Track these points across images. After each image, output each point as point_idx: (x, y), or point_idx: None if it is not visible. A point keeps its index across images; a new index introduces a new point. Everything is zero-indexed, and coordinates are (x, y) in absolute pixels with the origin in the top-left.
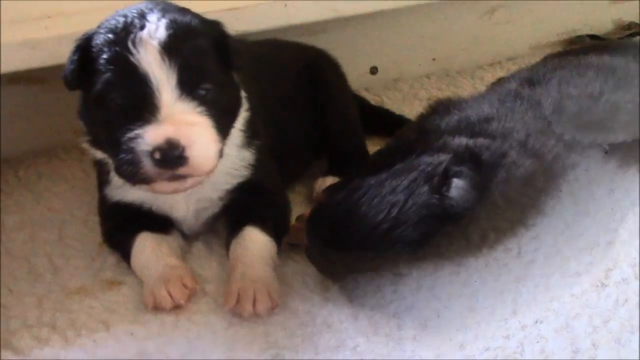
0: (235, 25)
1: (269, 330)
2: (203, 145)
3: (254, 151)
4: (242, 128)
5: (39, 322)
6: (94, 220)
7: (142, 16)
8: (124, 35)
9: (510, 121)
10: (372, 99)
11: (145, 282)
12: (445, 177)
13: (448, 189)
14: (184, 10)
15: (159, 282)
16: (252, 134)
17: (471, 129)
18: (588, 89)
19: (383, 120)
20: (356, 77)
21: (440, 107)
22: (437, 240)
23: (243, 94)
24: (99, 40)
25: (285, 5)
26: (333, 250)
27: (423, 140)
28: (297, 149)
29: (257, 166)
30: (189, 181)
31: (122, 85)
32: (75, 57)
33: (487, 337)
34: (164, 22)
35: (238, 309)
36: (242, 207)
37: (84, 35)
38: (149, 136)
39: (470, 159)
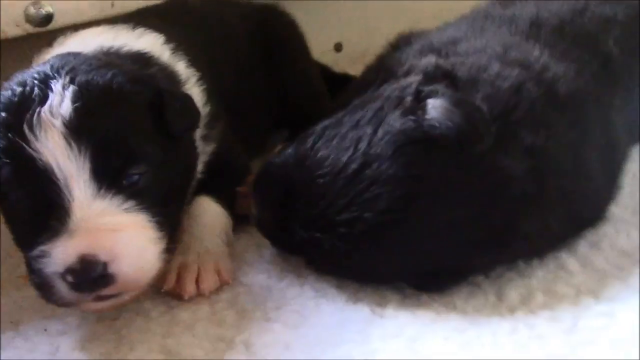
0: None
1: (215, 310)
2: (134, 254)
3: (215, 139)
4: (202, 133)
5: None
6: None
7: (44, 83)
8: (19, 114)
9: (482, 39)
10: None
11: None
12: (417, 101)
13: (424, 113)
14: (109, 62)
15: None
16: (213, 125)
17: (436, 52)
18: (570, 4)
19: None
20: (320, 55)
21: (401, 42)
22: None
23: (198, 80)
24: None
25: None
26: (287, 214)
27: (383, 73)
28: (253, 121)
29: (219, 149)
30: (126, 296)
31: (20, 184)
32: None
33: None
34: (71, 90)
35: (178, 289)
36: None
37: None
38: (57, 255)
39: (444, 77)
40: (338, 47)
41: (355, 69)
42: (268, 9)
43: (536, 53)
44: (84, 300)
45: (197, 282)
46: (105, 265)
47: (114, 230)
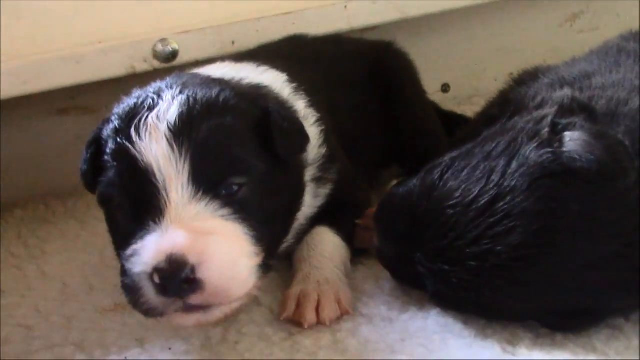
0: (292, 30)
1: (337, 339)
2: (225, 262)
3: (332, 180)
4: (316, 175)
5: (64, 341)
6: None
7: (157, 94)
8: (129, 120)
9: (617, 73)
10: None
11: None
12: (554, 133)
13: (561, 145)
14: (219, 82)
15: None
16: (329, 167)
17: (570, 86)
18: None
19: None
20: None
21: (526, 77)
22: None
23: (316, 121)
24: (107, 130)
25: (346, 6)
26: (412, 246)
27: (511, 106)
28: (367, 158)
29: (339, 186)
30: (217, 312)
31: (123, 185)
32: (87, 155)
33: None
34: (179, 99)
35: (298, 316)
36: (320, 219)
37: (99, 125)
38: (146, 253)
39: (581, 110)
40: (445, 88)
41: (462, 110)
42: (384, 47)
43: None
44: (172, 308)
45: (317, 310)
46: (193, 268)
47: (207, 234)
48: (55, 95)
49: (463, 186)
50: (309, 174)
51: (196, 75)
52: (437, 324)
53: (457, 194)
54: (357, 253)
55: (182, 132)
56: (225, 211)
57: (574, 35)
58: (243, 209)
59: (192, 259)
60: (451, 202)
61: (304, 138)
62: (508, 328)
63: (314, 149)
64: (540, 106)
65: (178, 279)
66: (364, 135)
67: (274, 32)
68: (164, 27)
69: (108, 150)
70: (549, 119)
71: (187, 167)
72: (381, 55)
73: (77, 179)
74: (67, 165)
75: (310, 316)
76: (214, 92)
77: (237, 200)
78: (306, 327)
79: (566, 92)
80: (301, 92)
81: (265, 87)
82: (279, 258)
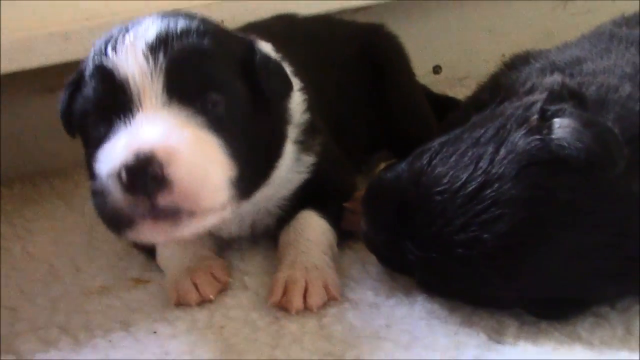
0: (282, 9)
1: (323, 324)
2: (195, 163)
3: (315, 151)
4: (298, 139)
5: (49, 323)
6: None
7: (137, 22)
8: (107, 43)
9: (608, 59)
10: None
11: (170, 274)
12: (543, 120)
13: (550, 132)
14: (200, 18)
15: (184, 273)
16: (311, 135)
17: (560, 71)
18: None
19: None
20: (418, 77)
21: (517, 61)
22: None
23: (300, 90)
24: (86, 62)
25: None
26: (400, 232)
27: (501, 92)
28: (355, 140)
29: (321, 162)
30: (187, 223)
31: (98, 99)
32: (67, 95)
33: None
34: (157, 24)
35: (285, 302)
36: (303, 201)
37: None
38: (115, 150)
39: (571, 96)
40: (437, 70)
41: (453, 92)
42: (374, 30)
43: None
44: (139, 211)
45: (304, 296)
46: (161, 165)
47: (177, 134)
48: (44, 73)
49: (451, 172)
50: (292, 134)
51: (176, 12)
52: (423, 310)
53: (445, 180)
54: (345, 236)
55: (159, 48)
56: (199, 120)
57: (566, 17)
58: (219, 125)
59: (160, 155)
60: (439, 188)
61: (288, 82)
62: (494, 316)
63: (297, 113)
64: (530, 92)
65: (145, 174)
66: (352, 118)
67: (264, 11)
68: (152, 5)
69: (86, 75)
70: (539, 105)
71: (161, 79)
72: (371, 38)
73: (65, 158)
74: (55, 144)
75: (297, 302)
76: (196, 23)
77: (214, 115)
78: (293, 313)
79: (556, 78)
80: (286, 62)
81: (251, 38)
82: (266, 238)
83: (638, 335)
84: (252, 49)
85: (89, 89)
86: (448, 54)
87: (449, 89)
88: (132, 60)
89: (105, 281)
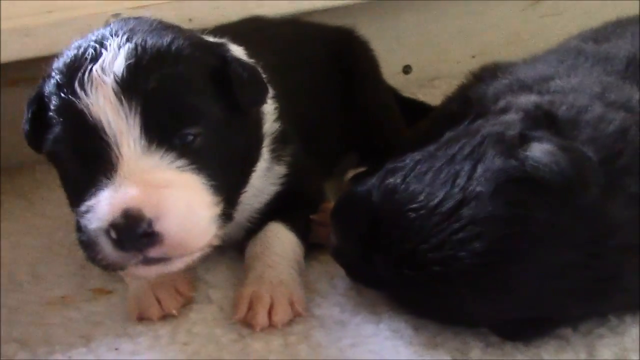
0: (252, 8)
1: (288, 342)
2: (183, 213)
3: (286, 161)
4: (270, 147)
5: (7, 337)
6: None
7: (100, 43)
8: (72, 73)
9: (576, 77)
10: None
11: (132, 287)
12: (522, 141)
13: (527, 153)
14: (171, 29)
15: (147, 286)
16: (283, 144)
17: (529, 89)
18: None
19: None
20: (387, 77)
21: (485, 74)
22: None
23: (271, 98)
24: (49, 86)
25: None
26: (371, 247)
27: (472, 107)
28: (325, 144)
29: (292, 173)
30: (177, 262)
31: (71, 141)
32: (29, 114)
33: None
34: (126, 48)
35: (250, 318)
36: (274, 212)
37: (40, 82)
38: (101, 209)
39: (546, 118)
40: (407, 70)
41: (423, 93)
42: (344, 33)
43: (637, 96)
44: (131, 262)
45: (269, 313)
46: (150, 222)
47: (162, 187)
48: (5, 67)
49: (427, 189)
50: (266, 142)
51: (145, 21)
52: (388, 328)
53: (421, 198)
54: (312, 248)
55: (130, 84)
56: (180, 162)
57: (536, 19)
58: (199, 159)
59: (148, 212)
60: (414, 206)
61: (264, 88)
62: (459, 336)
63: (270, 122)
64: (504, 111)
65: (135, 233)
66: (321, 120)
67: (233, 11)
68: (119, 1)
69: (52, 107)
70: (517, 126)
71: (137, 120)
72: (341, 41)
73: (26, 154)
74: (16, 139)
75: (262, 320)
76: (166, 40)
77: (193, 150)
78: (258, 330)
79: (531, 98)
80: (259, 68)
81: (224, 43)
82: (232, 248)
83: (600, 359)
84: (224, 56)
85: (59, 129)
86: (418, 54)
87: (419, 90)
88: (103, 102)
89: (66, 291)
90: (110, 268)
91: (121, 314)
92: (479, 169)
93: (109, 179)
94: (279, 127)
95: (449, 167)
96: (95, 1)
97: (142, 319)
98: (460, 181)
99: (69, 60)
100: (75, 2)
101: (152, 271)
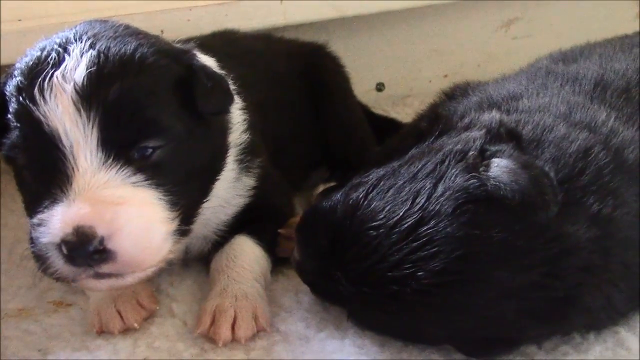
0: (224, 21)
1: (251, 358)
2: (137, 231)
3: (255, 173)
4: (238, 157)
5: None
6: None
7: (63, 48)
8: (32, 78)
9: (544, 97)
10: None
11: (93, 299)
12: (482, 158)
13: (487, 171)
14: (136, 36)
15: (108, 299)
16: (251, 156)
17: (497, 107)
18: (635, 64)
19: (392, 131)
20: (360, 94)
21: (456, 92)
22: None
23: (241, 109)
24: (10, 86)
25: (281, 1)
26: (333, 264)
27: (439, 124)
28: (294, 158)
29: (261, 185)
30: (129, 278)
31: (27, 149)
32: None
33: None
34: (88, 56)
35: (212, 332)
36: (241, 225)
37: (1, 80)
38: (54, 224)
39: (508, 135)
40: (380, 87)
41: (395, 110)
42: (316, 48)
43: (602, 116)
44: (82, 275)
45: (232, 327)
46: (102, 239)
47: (116, 203)
48: None
49: (388, 207)
50: (233, 152)
51: (111, 25)
52: (353, 344)
53: (381, 216)
54: (278, 262)
55: (90, 94)
56: (137, 177)
57: (508, 40)
58: (157, 173)
59: (100, 230)
60: (374, 224)
61: (228, 97)
62: (423, 352)
63: (238, 132)
64: (468, 127)
65: (86, 250)
66: (291, 134)
67: (205, 23)
68: (90, 9)
69: (11, 110)
70: (478, 143)
71: (95, 132)
72: (313, 57)
73: None
74: None
75: (225, 334)
76: (130, 47)
77: (151, 164)
78: (220, 345)
79: (494, 115)
80: (229, 80)
81: (190, 50)
82: (199, 261)
83: None
84: (191, 64)
85: (15, 135)
86: (391, 72)
87: (392, 107)
88: (62, 111)
89: (25, 303)
90: (61, 280)
91: (81, 327)
92: (440, 188)
93: (63, 192)
94: (248, 138)
95: (410, 185)
96: (65, 10)
97: (102, 332)
98: (421, 200)
99: (31, 62)
100: (45, 11)
101: (104, 285)
